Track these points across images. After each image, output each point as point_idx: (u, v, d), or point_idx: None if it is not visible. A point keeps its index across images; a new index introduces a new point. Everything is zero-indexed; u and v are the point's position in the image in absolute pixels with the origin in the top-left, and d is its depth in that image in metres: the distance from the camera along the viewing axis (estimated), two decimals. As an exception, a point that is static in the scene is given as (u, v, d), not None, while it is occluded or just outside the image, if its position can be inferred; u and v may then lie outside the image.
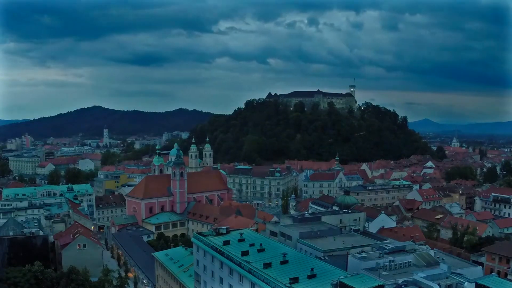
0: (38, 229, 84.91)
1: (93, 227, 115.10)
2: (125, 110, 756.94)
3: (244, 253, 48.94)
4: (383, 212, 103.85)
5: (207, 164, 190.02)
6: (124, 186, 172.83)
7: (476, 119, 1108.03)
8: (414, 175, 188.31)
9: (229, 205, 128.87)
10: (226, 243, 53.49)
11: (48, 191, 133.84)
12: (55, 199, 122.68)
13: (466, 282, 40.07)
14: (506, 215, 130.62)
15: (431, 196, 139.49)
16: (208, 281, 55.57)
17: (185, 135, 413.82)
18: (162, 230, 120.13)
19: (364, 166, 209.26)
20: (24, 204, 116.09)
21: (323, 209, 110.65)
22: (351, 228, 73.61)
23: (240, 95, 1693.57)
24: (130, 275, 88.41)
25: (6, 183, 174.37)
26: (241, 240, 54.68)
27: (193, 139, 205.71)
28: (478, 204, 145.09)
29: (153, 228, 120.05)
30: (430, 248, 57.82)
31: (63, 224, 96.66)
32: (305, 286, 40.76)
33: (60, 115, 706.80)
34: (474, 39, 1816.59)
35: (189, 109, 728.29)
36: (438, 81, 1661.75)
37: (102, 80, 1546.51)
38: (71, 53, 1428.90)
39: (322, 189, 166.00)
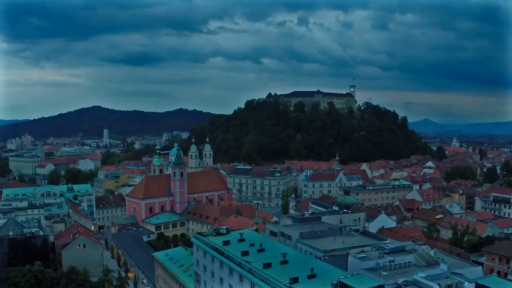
0: (38, 229, 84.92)
1: (93, 227, 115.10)
2: (125, 110, 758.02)
3: (244, 253, 48.96)
4: (383, 212, 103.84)
5: (207, 164, 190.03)
6: (124, 186, 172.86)
7: (476, 119, 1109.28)
8: (414, 175, 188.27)
9: (229, 205, 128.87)
10: (226, 243, 53.50)
11: (48, 191, 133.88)
12: (55, 199, 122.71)
13: (466, 282, 40.07)
14: (506, 215, 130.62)
15: (431, 196, 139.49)
16: (208, 281, 55.57)
17: (185, 135, 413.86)
18: (162, 230, 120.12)
19: (364, 166, 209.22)
20: (24, 204, 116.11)
21: (323, 209, 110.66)
22: (351, 228, 73.61)
23: (240, 95, 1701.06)
24: (130, 275, 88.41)
25: (6, 183, 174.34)
26: (241, 240, 54.70)
27: (193, 139, 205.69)
28: (478, 204, 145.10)
29: (153, 228, 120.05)
30: (430, 248, 57.83)
31: (63, 224, 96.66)
32: (305, 286, 40.76)
33: (60, 115, 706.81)
34: (466, 38, 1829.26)
35: (189, 109, 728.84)
36: (434, 80, 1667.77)
37: (100, 80, 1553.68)
38: (64, 53, 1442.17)
39: (322, 189, 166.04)
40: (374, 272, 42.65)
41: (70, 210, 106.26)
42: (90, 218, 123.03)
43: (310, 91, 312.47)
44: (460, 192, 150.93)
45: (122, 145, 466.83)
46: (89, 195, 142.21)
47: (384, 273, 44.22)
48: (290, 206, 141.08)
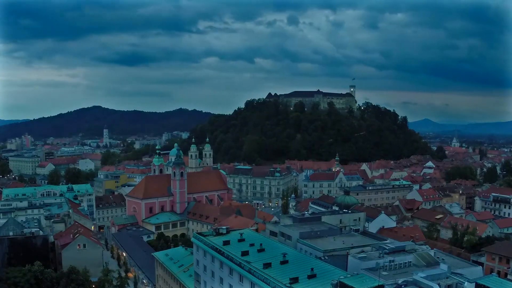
0: (38, 229, 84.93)
1: (93, 227, 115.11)
2: (125, 110, 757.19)
3: (244, 253, 48.94)
4: (383, 212, 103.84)
5: (207, 164, 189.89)
6: (124, 186, 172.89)
7: (476, 119, 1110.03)
8: (414, 175, 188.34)
9: (229, 205, 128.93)
10: (226, 243, 53.49)
11: (48, 191, 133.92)
12: (55, 199, 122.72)
13: (466, 282, 40.05)
14: (506, 215, 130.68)
15: (431, 196, 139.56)
16: (208, 281, 55.57)
17: (185, 135, 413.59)
18: (162, 230, 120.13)
19: (364, 166, 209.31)
20: (24, 204, 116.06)
21: (323, 209, 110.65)
22: (351, 228, 73.51)
23: (239, 95, 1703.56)
24: (130, 275, 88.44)
25: (6, 183, 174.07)
26: (241, 240, 54.68)
27: (193, 139, 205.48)
28: (478, 204, 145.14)
29: (153, 228, 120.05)
30: (430, 248, 57.77)
31: (63, 224, 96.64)
32: (305, 286, 40.75)
33: (60, 115, 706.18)
34: (457, 37, 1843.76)
35: (189, 109, 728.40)
36: (430, 80, 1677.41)
37: (97, 80, 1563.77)
38: (56, 53, 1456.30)
39: (322, 189, 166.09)
40: (374, 272, 42.64)
41: (70, 210, 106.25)
42: (90, 218, 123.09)
43: (310, 91, 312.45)
44: (460, 192, 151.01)
45: (122, 145, 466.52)
46: (89, 195, 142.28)
47: (384, 273, 44.20)
48: (290, 206, 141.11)
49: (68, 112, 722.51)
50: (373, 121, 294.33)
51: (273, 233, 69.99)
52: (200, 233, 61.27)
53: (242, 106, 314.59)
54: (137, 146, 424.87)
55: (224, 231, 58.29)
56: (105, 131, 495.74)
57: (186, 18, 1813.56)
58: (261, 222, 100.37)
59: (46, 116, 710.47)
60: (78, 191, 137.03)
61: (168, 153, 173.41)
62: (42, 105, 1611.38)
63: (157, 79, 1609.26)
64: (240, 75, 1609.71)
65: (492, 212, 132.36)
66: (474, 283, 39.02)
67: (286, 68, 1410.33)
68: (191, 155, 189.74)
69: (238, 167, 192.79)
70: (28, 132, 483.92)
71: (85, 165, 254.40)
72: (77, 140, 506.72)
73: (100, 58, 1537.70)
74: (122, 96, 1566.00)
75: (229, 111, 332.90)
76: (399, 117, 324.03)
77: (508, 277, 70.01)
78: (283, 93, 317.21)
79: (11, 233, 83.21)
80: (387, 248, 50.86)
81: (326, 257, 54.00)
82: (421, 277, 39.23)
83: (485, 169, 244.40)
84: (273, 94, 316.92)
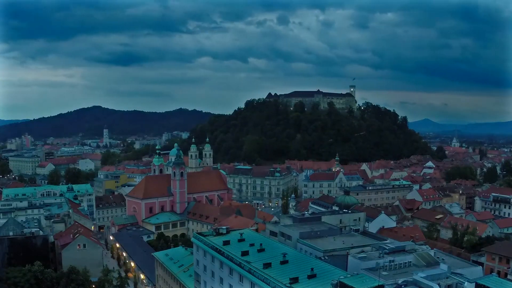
0: (38, 229, 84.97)
1: (93, 227, 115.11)
2: (125, 110, 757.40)
3: (244, 253, 48.96)
4: (383, 212, 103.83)
5: (207, 164, 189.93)
6: (124, 186, 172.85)
7: (476, 119, 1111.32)
8: (414, 175, 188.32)
9: (229, 205, 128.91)
10: (226, 243, 53.50)
11: (48, 191, 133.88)
12: (55, 199, 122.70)
13: (466, 282, 40.04)
14: (506, 215, 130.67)
15: (431, 196, 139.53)
16: (208, 281, 55.58)
17: (185, 135, 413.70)
18: (162, 230, 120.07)
19: (364, 166, 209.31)
20: (24, 204, 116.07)
21: (323, 209, 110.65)
22: (351, 228, 73.53)
23: (239, 95, 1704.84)
24: (130, 275, 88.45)
25: (6, 183, 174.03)
26: (241, 240, 54.70)
27: (193, 139, 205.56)
28: (478, 204, 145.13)
29: (153, 228, 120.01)
30: (430, 248, 57.79)
31: (63, 224, 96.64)
32: (305, 286, 40.78)
33: (60, 115, 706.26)
34: (448, 37, 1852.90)
35: (189, 109, 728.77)
36: (427, 80, 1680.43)
37: (95, 80, 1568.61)
38: (49, 53, 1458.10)
39: (322, 189, 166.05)
40: (374, 272, 42.64)
41: (70, 210, 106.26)
42: (90, 218, 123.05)
43: (310, 91, 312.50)
44: (460, 192, 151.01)
45: (122, 145, 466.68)
46: (89, 195, 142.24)
47: (384, 273, 44.19)
48: (290, 206, 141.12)
49: (68, 112, 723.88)
50: (373, 121, 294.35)
51: (273, 233, 70.01)
52: (200, 233, 61.30)
53: (242, 106, 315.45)
54: (137, 146, 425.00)
55: (224, 231, 58.31)
56: (105, 131, 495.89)
57: (175, 18, 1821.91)
58: (261, 222, 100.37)
59: (46, 116, 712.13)
60: (78, 191, 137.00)
61: (168, 153, 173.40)
62: (41, 105, 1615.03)
63: (154, 79, 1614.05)
64: (236, 75, 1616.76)
65: (492, 212, 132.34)
66: (474, 283, 39.03)
67: (280, 68, 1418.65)
68: (191, 155, 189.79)
69: (238, 167, 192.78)
70: (28, 132, 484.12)
71: (85, 165, 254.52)
72: (77, 140, 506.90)
73: (93, 58, 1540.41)
74: (122, 96, 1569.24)
75: (229, 111, 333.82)
76: (399, 117, 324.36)
77: (508, 277, 69.98)
78: (283, 93, 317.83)
79: (11, 233, 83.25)
80: (387, 248, 50.84)
81: (326, 257, 54.00)
82: (421, 277, 39.22)
83: (485, 169, 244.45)
84: (273, 94, 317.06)
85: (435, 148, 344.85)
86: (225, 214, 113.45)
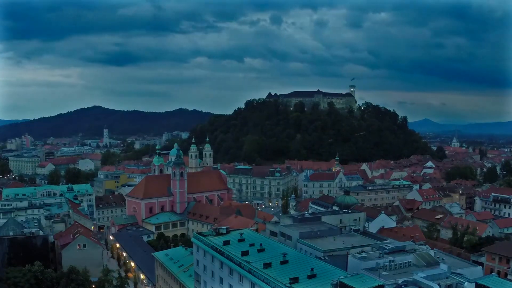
0: (38, 229, 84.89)
1: (93, 227, 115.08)
2: (125, 110, 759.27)
3: (244, 253, 48.95)
4: (383, 212, 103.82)
5: (207, 164, 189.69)
6: (124, 186, 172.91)
7: (476, 119, 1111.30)
8: (414, 175, 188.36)
9: (229, 205, 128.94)
10: (226, 243, 53.49)
11: (48, 191, 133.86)
12: (55, 199, 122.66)
13: (466, 282, 40.02)
14: (506, 215, 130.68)
15: (431, 196, 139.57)
16: (208, 281, 55.58)
17: (185, 135, 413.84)
18: (162, 230, 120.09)
19: (364, 166, 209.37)
20: (24, 204, 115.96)
21: (323, 209, 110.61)
22: (351, 228, 73.46)
23: (239, 95, 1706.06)
24: (130, 275, 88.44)
25: (6, 183, 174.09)
26: (241, 240, 54.69)
27: (193, 139, 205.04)
28: (478, 204, 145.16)
29: (153, 228, 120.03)
30: (430, 248, 57.71)
31: (63, 224, 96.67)
32: (305, 286, 40.77)
33: (60, 115, 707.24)
34: (442, 36, 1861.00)
35: (189, 109, 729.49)
36: (425, 79, 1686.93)
37: (93, 80, 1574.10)
38: (43, 53, 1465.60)
39: (322, 189, 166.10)
40: (374, 272, 42.61)
41: (70, 210, 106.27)
42: (90, 218, 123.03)
43: (310, 91, 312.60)
44: (460, 192, 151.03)
45: (122, 145, 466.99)
46: (89, 195, 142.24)
47: (384, 273, 44.15)
48: (290, 206, 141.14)
49: (68, 112, 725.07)
50: (373, 121, 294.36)
51: (273, 233, 69.95)
52: (200, 233, 61.28)
53: (242, 106, 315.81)
54: (137, 146, 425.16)
55: (224, 231, 58.30)
56: (105, 131, 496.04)
57: (167, 18, 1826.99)
58: (261, 222, 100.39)
59: (46, 116, 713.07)
60: (78, 191, 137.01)
61: (168, 153, 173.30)
62: (41, 105, 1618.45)
63: (152, 79, 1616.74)
64: (234, 74, 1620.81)
65: (492, 212, 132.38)
66: (474, 283, 39.02)
67: (276, 68, 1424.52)
68: (191, 155, 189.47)
69: (238, 167, 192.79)
70: (28, 132, 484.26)
71: (85, 165, 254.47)
72: (77, 140, 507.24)
73: (88, 58, 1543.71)
74: (121, 96, 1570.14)
75: (229, 111, 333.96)
76: (399, 117, 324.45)
77: (508, 277, 70.01)
78: (283, 93, 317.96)
79: (11, 233, 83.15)
80: (387, 248, 50.82)
81: (326, 257, 53.97)
82: (421, 277, 39.19)
83: (485, 169, 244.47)
84: (273, 94, 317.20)
85: (435, 148, 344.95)
86: (225, 214, 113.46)
